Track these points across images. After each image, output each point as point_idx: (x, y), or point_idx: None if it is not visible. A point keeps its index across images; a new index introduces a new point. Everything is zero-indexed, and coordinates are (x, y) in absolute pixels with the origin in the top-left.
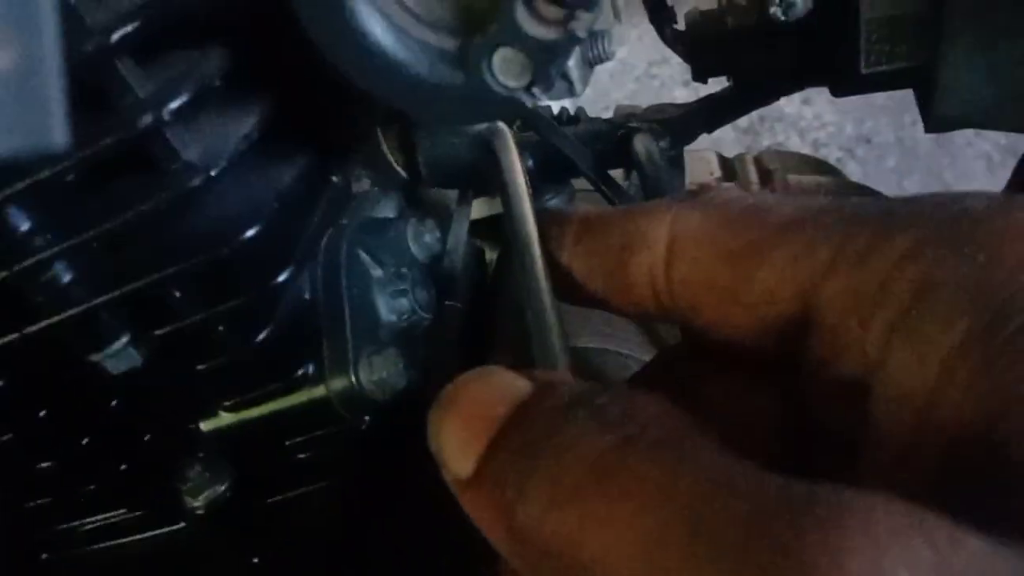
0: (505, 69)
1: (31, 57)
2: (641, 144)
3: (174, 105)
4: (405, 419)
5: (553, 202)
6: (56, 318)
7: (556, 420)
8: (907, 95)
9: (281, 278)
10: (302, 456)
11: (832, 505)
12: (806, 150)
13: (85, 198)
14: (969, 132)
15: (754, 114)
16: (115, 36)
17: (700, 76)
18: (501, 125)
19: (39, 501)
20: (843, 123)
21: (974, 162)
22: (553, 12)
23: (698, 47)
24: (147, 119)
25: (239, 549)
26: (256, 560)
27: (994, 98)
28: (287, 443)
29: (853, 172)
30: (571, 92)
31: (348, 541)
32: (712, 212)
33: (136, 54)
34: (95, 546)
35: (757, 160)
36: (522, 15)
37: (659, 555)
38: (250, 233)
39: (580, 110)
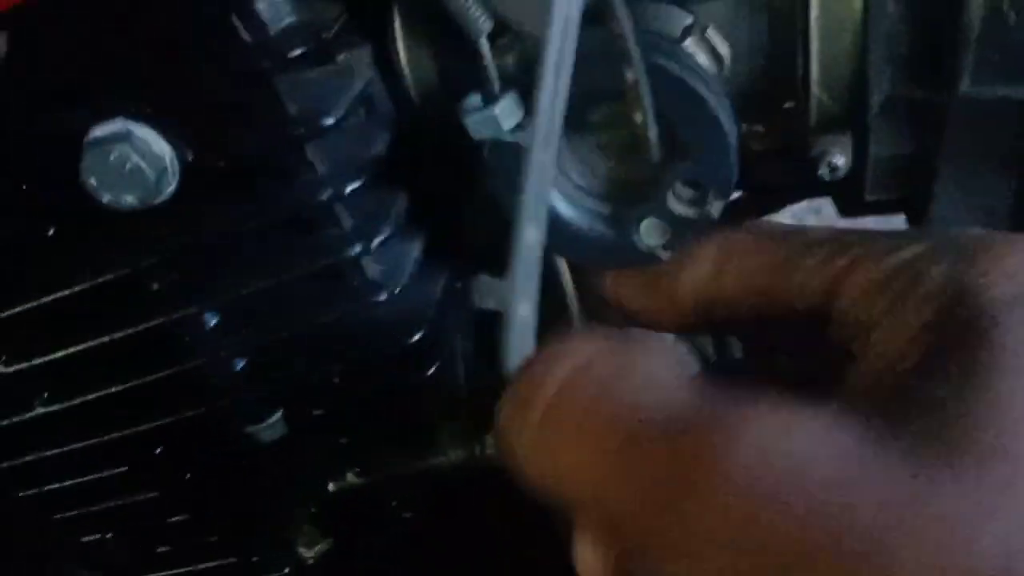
0: (649, 233)
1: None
2: None
3: (377, 241)
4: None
5: None
6: (228, 400)
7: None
8: None
9: (429, 373)
10: (406, 516)
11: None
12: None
13: (265, 306)
14: None
15: None
16: (347, 189)
17: None
18: None
19: (163, 549)
20: None
21: None
22: (692, 195)
23: None
24: (355, 249)
25: None
26: None
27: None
28: (394, 503)
29: None
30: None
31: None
32: (757, 233)
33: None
34: None
35: None
36: (671, 199)
37: (603, 471)
38: (416, 337)
39: None
